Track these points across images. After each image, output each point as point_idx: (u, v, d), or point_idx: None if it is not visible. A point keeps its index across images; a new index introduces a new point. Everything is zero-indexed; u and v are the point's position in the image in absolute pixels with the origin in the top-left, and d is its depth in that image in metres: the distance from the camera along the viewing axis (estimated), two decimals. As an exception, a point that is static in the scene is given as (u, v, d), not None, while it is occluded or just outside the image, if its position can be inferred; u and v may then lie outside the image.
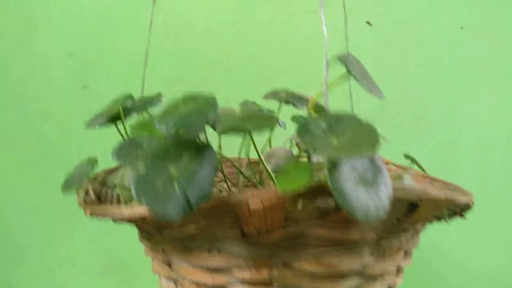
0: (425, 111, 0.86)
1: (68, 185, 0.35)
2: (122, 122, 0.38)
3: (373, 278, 0.37)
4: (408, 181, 0.37)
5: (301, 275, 0.35)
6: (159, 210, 0.25)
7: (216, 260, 0.35)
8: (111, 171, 0.43)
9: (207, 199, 0.27)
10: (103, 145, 0.41)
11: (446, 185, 0.54)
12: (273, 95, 0.50)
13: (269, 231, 0.32)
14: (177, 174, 0.27)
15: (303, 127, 0.30)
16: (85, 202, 0.36)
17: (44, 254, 0.81)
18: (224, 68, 0.84)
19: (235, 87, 0.83)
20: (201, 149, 0.29)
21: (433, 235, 1.00)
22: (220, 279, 0.36)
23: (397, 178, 0.39)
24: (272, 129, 0.33)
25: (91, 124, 0.38)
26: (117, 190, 0.38)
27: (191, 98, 0.30)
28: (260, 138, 0.36)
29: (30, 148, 0.80)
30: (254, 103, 0.58)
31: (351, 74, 0.30)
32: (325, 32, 0.34)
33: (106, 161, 0.39)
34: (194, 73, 0.84)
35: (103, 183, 0.39)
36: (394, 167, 0.60)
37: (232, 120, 0.31)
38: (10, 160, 0.80)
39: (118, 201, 0.40)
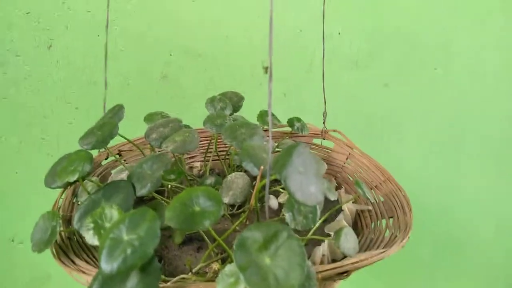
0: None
1: (37, 244, 0.36)
2: (83, 187, 0.36)
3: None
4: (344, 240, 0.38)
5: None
6: None
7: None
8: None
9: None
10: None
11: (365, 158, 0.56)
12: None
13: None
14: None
15: (241, 242, 0.30)
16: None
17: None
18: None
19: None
20: (146, 262, 0.29)
21: (442, 198, 1.06)
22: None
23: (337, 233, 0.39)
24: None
25: (49, 184, 0.37)
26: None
27: (134, 223, 0.29)
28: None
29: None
30: (219, 99, 0.55)
31: (289, 191, 0.29)
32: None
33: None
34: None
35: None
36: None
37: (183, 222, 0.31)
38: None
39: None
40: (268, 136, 0.58)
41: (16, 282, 0.85)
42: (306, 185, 0.30)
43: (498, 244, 1.17)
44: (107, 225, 0.31)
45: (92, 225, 0.31)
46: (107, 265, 0.27)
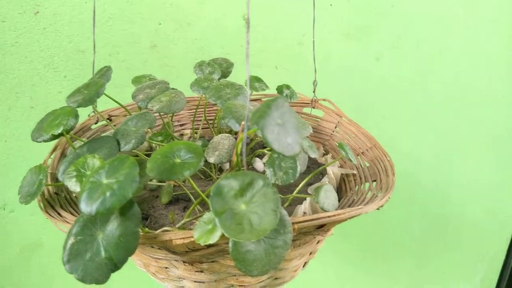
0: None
1: (24, 196, 0.38)
2: (68, 141, 0.38)
3: (287, 260, 0.44)
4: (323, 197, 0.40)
5: (226, 266, 0.41)
6: (90, 280, 0.29)
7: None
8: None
9: (132, 254, 0.31)
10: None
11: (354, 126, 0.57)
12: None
13: (194, 250, 0.37)
14: (105, 242, 0.30)
15: (217, 190, 0.31)
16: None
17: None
18: None
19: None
20: (125, 207, 0.31)
21: (433, 176, 1.07)
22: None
23: (317, 190, 0.41)
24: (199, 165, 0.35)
25: (35, 138, 0.38)
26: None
27: (113, 169, 0.30)
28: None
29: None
30: (208, 64, 0.56)
31: (265, 140, 0.30)
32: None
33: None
34: None
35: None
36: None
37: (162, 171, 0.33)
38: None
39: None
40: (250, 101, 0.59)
41: (7, 250, 0.87)
42: (284, 136, 0.32)
43: (487, 223, 1.20)
44: (89, 173, 0.32)
45: (74, 173, 0.33)
46: (87, 207, 0.28)
